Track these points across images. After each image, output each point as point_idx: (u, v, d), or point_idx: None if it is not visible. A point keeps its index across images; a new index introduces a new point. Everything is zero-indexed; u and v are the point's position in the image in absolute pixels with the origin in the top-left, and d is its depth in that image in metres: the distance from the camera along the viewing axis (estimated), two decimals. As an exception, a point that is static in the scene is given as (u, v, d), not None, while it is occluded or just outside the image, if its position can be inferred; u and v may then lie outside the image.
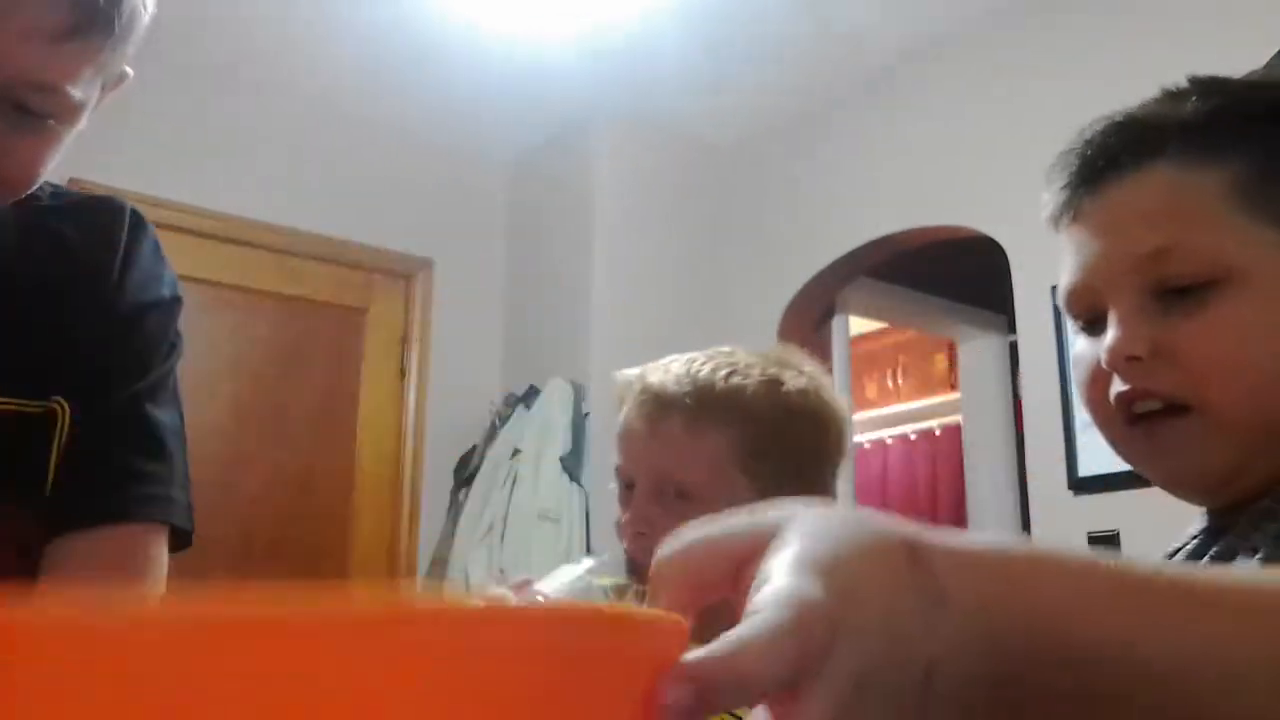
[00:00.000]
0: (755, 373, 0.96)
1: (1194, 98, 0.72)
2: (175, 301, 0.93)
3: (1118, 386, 0.70)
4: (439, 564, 3.16)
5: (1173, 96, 0.74)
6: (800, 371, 0.98)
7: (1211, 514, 0.73)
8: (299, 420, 3.21)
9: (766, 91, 3.23)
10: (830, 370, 3.81)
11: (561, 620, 0.33)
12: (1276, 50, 1.69)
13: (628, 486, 0.97)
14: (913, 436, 4.87)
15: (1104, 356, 0.69)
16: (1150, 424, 0.69)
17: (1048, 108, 2.67)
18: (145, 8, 0.77)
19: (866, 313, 3.84)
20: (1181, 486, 0.71)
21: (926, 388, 4.84)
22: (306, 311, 3.29)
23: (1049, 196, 0.77)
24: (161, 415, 0.88)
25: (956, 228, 2.90)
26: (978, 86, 2.90)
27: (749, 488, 0.93)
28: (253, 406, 3.12)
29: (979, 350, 3.87)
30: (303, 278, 3.28)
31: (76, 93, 0.75)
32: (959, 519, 4.32)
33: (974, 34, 2.91)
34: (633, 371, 1.02)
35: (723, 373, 0.96)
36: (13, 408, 0.83)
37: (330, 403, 3.28)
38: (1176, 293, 0.67)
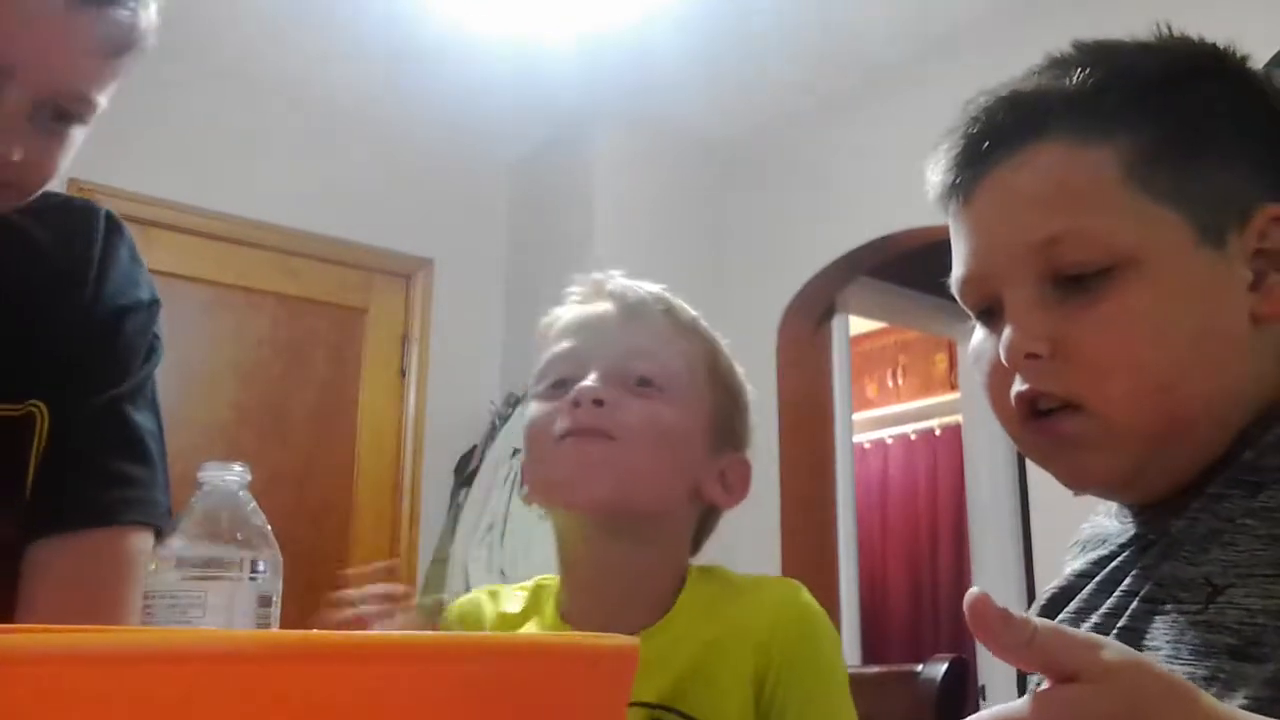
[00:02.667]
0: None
1: (1081, 68, 0.67)
2: (154, 304, 0.93)
3: (1018, 386, 0.66)
4: (439, 564, 3.15)
5: (1058, 65, 0.69)
6: None
7: (1137, 518, 0.69)
8: (299, 420, 3.21)
9: (766, 92, 3.22)
10: (830, 370, 3.77)
11: (510, 652, 0.32)
12: (1276, 51, 1.69)
13: (557, 384, 0.89)
14: (913, 436, 4.86)
15: (1003, 354, 0.65)
16: (1049, 421, 0.66)
17: (1048, 108, 2.67)
18: (152, 22, 0.82)
19: (866, 313, 3.84)
20: (1084, 486, 0.68)
21: (926, 388, 4.84)
22: (306, 311, 3.29)
23: (935, 178, 0.73)
24: (141, 418, 0.89)
25: (956, 228, 2.89)
26: (978, 86, 2.89)
27: (707, 402, 0.90)
28: (253, 406, 3.12)
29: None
30: (303, 278, 3.28)
31: (104, 100, 0.80)
32: (959, 519, 4.32)
33: (974, 33, 2.90)
34: (574, 287, 0.99)
35: (681, 302, 0.97)
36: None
37: (330, 402, 3.28)
38: (1073, 279, 0.64)
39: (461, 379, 3.45)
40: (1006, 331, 0.65)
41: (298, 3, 2.83)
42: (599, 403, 0.84)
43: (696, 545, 0.92)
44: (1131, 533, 0.70)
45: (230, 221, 3.11)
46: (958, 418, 4.20)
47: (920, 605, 4.62)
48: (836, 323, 3.42)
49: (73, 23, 0.75)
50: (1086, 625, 0.67)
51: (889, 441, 4.94)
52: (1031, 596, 2.83)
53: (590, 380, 0.85)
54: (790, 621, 0.82)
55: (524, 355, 3.47)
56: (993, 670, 3.51)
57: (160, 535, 0.86)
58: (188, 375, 2.94)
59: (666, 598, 0.85)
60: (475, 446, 3.32)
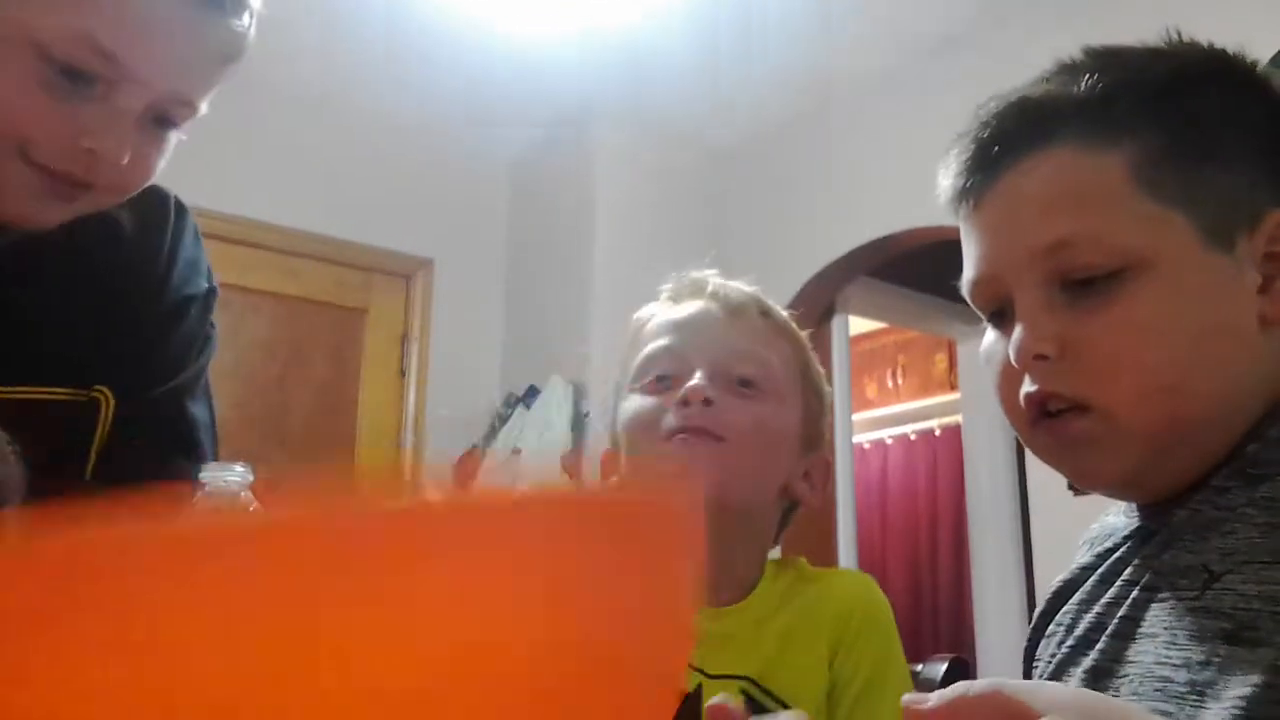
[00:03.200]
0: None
1: (1090, 73, 0.68)
2: (212, 293, 0.95)
3: (1027, 387, 0.67)
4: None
5: (1068, 71, 0.70)
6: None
7: (1141, 512, 0.70)
8: (299, 420, 3.21)
9: (767, 91, 3.22)
10: (830, 370, 3.81)
11: (589, 503, 0.37)
12: (1276, 51, 1.69)
13: (660, 379, 0.90)
14: (913, 436, 4.86)
15: (1012, 355, 0.67)
16: (1057, 422, 0.66)
17: (1048, 108, 2.67)
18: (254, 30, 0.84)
19: (866, 313, 3.84)
20: (1091, 486, 0.69)
21: (926, 388, 4.84)
22: (306, 311, 3.29)
23: (946, 181, 0.75)
24: (197, 411, 0.90)
25: (956, 228, 2.89)
26: (978, 86, 2.89)
27: (800, 403, 0.94)
28: (252, 406, 3.12)
29: (979, 350, 3.87)
30: (303, 278, 3.28)
31: (205, 107, 0.82)
32: (959, 519, 4.32)
33: (974, 34, 2.91)
34: (667, 285, 1.01)
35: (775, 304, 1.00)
36: (62, 396, 0.83)
37: (330, 403, 3.28)
38: (1082, 283, 0.64)
39: (461, 379, 3.45)
40: (1016, 333, 0.67)
41: (298, 3, 2.83)
42: (708, 402, 0.86)
43: (776, 539, 0.97)
44: (1135, 525, 0.70)
45: (230, 221, 3.11)
46: (957, 418, 4.20)
47: (920, 605, 4.62)
48: (836, 323, 3.42)
49: (196, 28, 0.75)
50: (1089, 617, 0.68)
51: (889, 442, 4.94)
52: (1031, 596, 2.84)
53: (697, 379, 0.87)
54: (862, 605, 0.89)
55: (524, 355, 3.47)
56: (993, 670, 3.51)
57: None
58: (188, 375, 2.94)
59: (748, 586, 0.90)
60: (475, 446, 3.32)
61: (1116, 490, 0.70)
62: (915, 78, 3.05)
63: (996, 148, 0.69)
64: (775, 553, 0.97)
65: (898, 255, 3.24)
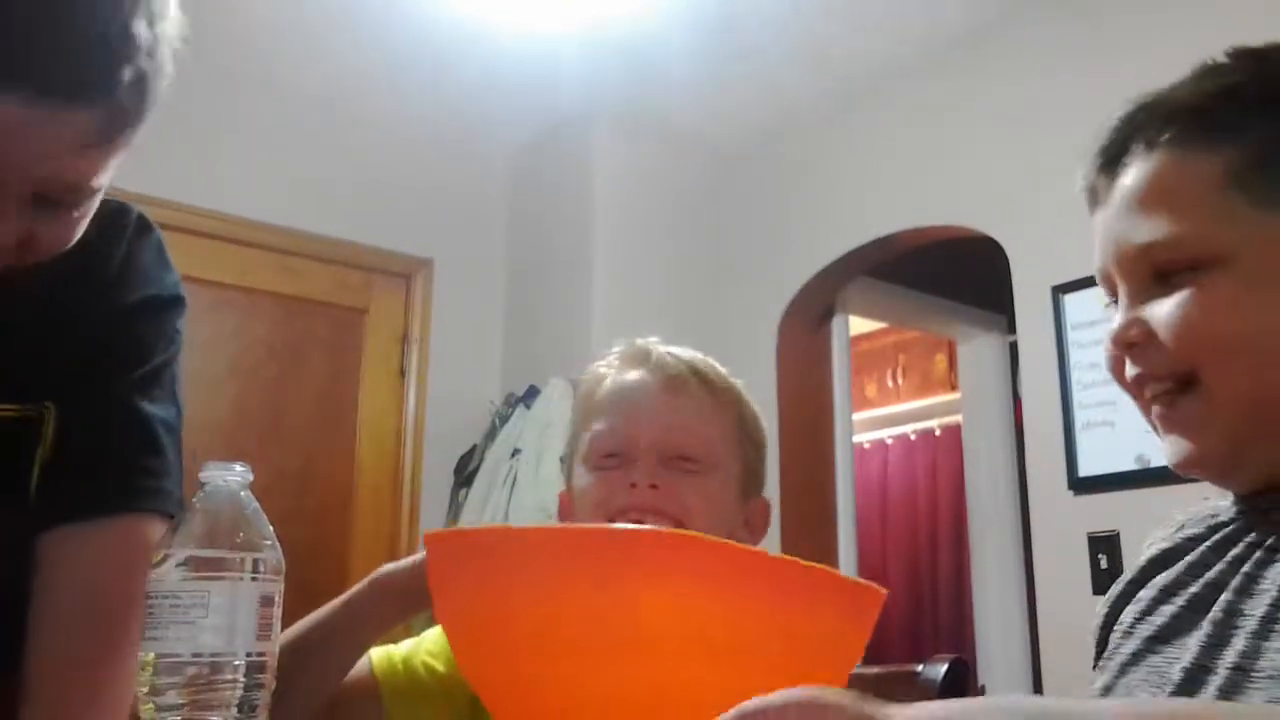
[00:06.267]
0: (726, 371, 1.07)
1: (1214, 76, 0.73)
2: (174, 300, 0.94)
3: (1130, 369, 0.74)
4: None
5: (1199, 74, 0.75)
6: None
7: (1239, 500, 0.75)
8: (299, 420, 3.21)
9: (767, 91, 3.22)
10: (830, 370, 3.78)
11: (790, 565, 0.60)
12: None
13: (609, 456, 0.99)
14: (913, 436, 4.86)
15: (1108, 343, 0.74)
16: (1161, 403, 0.72)
17: (1047, 108, 2.67)
18: (164, 76, 0.76)
19: (866, 313, 3.84)
20: (1189, 467, 0.73)
21: (926, 388, 4.84)
22: (306, 311, 3.29)
23: (1080, 180, 0.80)
24: (154, 409, 0.89)
25: (956, 228, 2.90)
26: (978, 86, 2.90)
27: (738, 461, 1.02)
28: (252, 406, 3.12)
29: (979, 350, 3.87)
30: (303, 278, 3.28)
31: (101, 182, 0.76)
32: (959, 519, 4.32)
33: (974, 34, 2.91)
34: (617, 348, 1.08)
35: (712, 363, 1.06)
36: (11, 414, 0.83)
37: (330, 403, 3.28)
38: (1169, 275, 0.70)
39: (461, 379, 3.45)
40: (1115, 318, 0.74)
41: (298, 4, 2.83)
42: (654, 486, 0.96)
43: None
44: (1244, 508, 0.75)
45: (230, 221, 3.11)
46: (958, 418, 4.20)
47: (920, 605, 4.62)
48: (836, 323, 3.42)
49: (47, 124, 0.69)
50: (1201, 581, 0.73)
51: (889, 441, 4.94)
52: (1031, 596, 2.83)
53: (641, 462, 0.97)
54: None
55: (524, 355, 3.47)
56: (993, 670, 3.51)
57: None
58: (187, 375, 2.93)
59: None
60: (475, 447, 3.32)
61: (1217, 471, 0.73)
62: (915, 79, 3.05)
63: (1115, 147, 0.75)
64: None
65: (898, 255, 3.24)
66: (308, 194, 3.25)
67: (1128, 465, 2.38)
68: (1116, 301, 0.76)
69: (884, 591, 0.60)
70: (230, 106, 3.12)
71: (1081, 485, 2.50)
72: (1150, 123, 0.73)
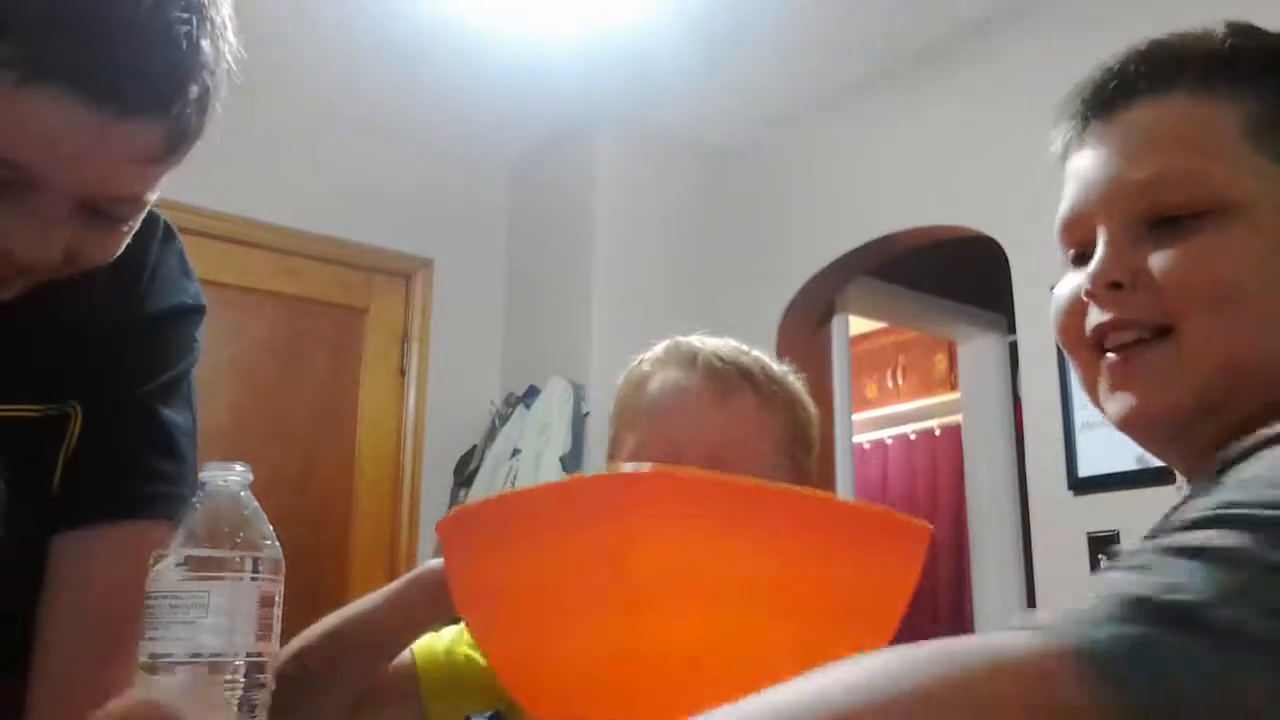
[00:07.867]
0: (785, 367, 1.01)
1: (1226, 36, 0.71)
2: (196, 310, 0.95)
3: (1095, 317, 0.69)
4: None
5: (1204, 32, 0.73)
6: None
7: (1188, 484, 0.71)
8: (299, 420, 3.21)
9: (766, 92, 3.22)
10: (830, 370, 3.77)
11: (845, 506, 0.75)
12: None
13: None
14: (913, 436, 4.86)
15: (1088, 282, 0.68)
16: (1122, 354, 0.68)
17: (1047, 108, 2.66)
18: (221, 94, 0.78)
19: (866, 313, 3.84)
20: (1136, 424, 0.69)
21: (926, 388, 4.84)
22: (306, 311, 3.29)
23: (1059, 130, 0.77)
24: (174, 415, 0.89)
25: (956, 228, 2.89)
26: (978, 86, 2.90)
27: (788, 468, 0.96)
28: (252, 406, 3.12)
29: (979, 350, 3.87)
30: (303, 278, 3.28)
31: (150, 197, 0.78)
32: (959, 519, 4.32)
33: (974, 35, 2.91)
34: (663, 344, 1.01)
35: (766, 358, 1.00)
36: (37, 413, 0.84)
37: (330, 402, 3.28)
38: (1169, 222, 0.66)
39: (461, 379, 3.45)
40: (1094, 261, 0.69)
41: (298, 5, 2.83)
42: None
43: None
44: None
45: (230, 221, 3.11)
46: (958, 418, 4.20)
47: (920, 605, 4.60)
48: (836, 323, 3.42)
49: (108, 135, 0.69)
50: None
51: (889, 442, 4.94)
52: (1032, 596, 2.83)
53: None
54: None
55: (524, 355, 3.47)
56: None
57: None
58: (188, 375, 2.94)
59: None
60: (475, 447, 3.32)
61: (1167, 431, 0.69)
62: (915, 79, 3.05)
63: (1115, 87, 0.72)
64: None
65: (898, 255, 3.24)
66: (308, 194, 3.25)
67: (1128, 465, 2.38)
68: (1078, 257, 0.72)
69: (929, 526, 0.59)
70: (231, 108, 3.11)
71: (1081, 485, 2.50)
72: (1161, 67, 0.70)
